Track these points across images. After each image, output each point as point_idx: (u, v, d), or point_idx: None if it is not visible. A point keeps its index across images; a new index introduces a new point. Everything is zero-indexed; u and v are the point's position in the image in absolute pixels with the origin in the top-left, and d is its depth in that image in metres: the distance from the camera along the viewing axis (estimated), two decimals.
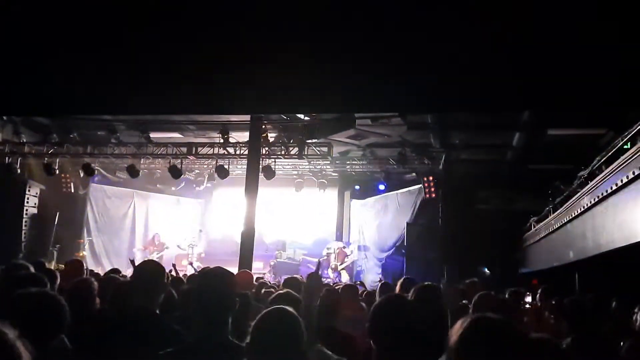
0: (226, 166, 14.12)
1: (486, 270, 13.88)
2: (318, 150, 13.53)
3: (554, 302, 5.20)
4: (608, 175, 7.01)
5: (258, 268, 15.64)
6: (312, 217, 18.58)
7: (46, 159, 14.55)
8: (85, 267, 6.73)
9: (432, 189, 14.69)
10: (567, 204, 9.13)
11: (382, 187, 16.62)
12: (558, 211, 9.89)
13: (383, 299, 2.79)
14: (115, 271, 7.06)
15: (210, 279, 2.55)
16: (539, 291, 6.51)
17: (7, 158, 14.43)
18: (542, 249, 11.47)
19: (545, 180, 11.82)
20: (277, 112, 9.79)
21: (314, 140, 12.94)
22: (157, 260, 16.56)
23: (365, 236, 17.61)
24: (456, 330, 1.73)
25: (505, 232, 13.82)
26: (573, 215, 8.57)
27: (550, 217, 10.59)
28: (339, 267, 16.04)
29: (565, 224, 9.11)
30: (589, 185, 7.88)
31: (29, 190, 15.89)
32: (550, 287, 6.74)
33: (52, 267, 9.05)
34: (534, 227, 12.20)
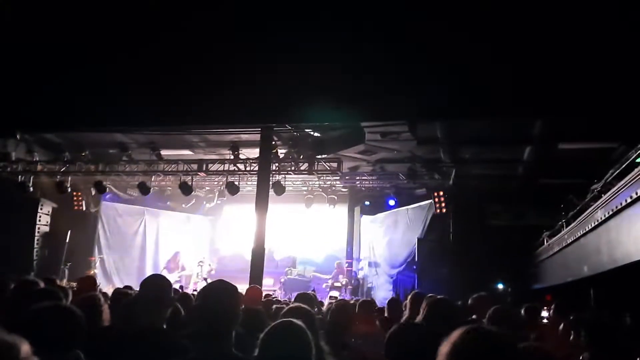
0: (236, 183, 14.15)
1: (499, 286, 13.72)
2: (328, 166, 13.52)
3: (571, 318, 5.11)
4: (622, 188, 6.92)
5: (268, 285, 15.58)
6: (323, 233, 18.53)
7: (58, 177, 14.67)
8: (97, 284, 6.73)
9: (443, 204, 14.61)
10: (581, 217, 9.01)
11: (392, 202, 16.55)
12: (571, 225, 9.76)
13: (398, 326, 2.78)
14: (128, 288, 7.04)
15: (213, 292, 2.54)
16: (552, 306, 6.40)
17: (20, 176, 14.58)
18: (555, 264, 11.31)
19: (556, 195, 11.69)
20: (287, 123, 9.79)
21: (323, 156, 12.94)
22: (177, 279, 16.63)
23: (375, 252, 17.49)
24: (448, 342, 1.70)
25: (518, 248, 13.67)
26: (587, 229, 8.45)
27: (563, 232, 10.46)
28: (335, 285, 16.14)
29: (579, 238, 8.98)
30: (602, 199, 7.77)
31: (41, 209, 16.05)
32: (564, 302, 6.62)
33: (64, 285, 9.07)
34: (547, 241, 12.05)
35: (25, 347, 1.05)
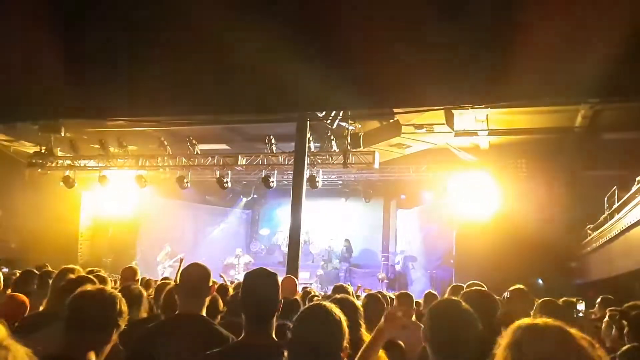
0: (272, 177, 14.23)
1: (540, 281, 13.39)
2: (363, 159, 13.44)
3: (616, 312, 4.95)
4: None
5: (304, 278, 15.63)
6: (358, 227, 18.47)
7: (101, 171, 15.07)
8: (138, 275, 6.88)
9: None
10: (626, 209, 8.71)
11: (428, 195, 16.35)
12: (615, 218, 9.45)
13: (439, 301, 2.74)
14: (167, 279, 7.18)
15: (254, 279, 2.55)
16: (598, 300, 6.22)
17: (64, 171, 15.03)
18: (599, 258, 10.99)
19: (600, 187, 11.33)
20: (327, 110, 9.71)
21: (358, 149, 12.86)
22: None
23: (412, 246, 17.35)
24: (508, 334, 1.66)
25: (560, 241, 13.29)
26: (633, 222, 8.17)
27: (607, 225, 10.13)
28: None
29: (624, 231, 8.69)
30: None
31: (84, 203, 16.53)
32: (609, 297, 6.43)
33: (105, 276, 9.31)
34: (590, 235, 11.70)
35: (1, 331, 1.03)
